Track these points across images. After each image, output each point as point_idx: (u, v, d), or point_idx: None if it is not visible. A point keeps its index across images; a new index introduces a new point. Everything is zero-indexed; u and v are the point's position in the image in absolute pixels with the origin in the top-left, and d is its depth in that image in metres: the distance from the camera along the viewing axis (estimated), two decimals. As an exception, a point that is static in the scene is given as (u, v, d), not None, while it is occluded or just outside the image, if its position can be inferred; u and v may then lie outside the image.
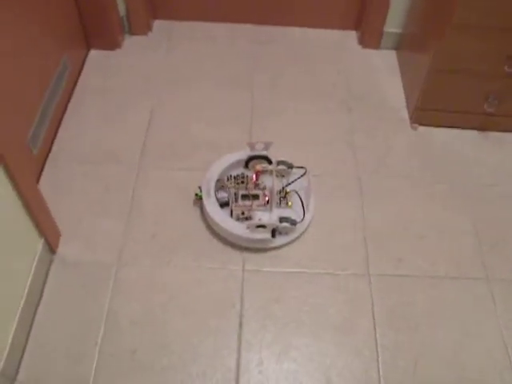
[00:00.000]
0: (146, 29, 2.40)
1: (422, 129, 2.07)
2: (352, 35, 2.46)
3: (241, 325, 1.54)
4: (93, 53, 2.33)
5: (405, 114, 2.12)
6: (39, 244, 1.58)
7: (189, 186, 1.82)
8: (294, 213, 1.72)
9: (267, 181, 1.81)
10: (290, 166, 1.80)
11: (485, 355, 1.51)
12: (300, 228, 1.71)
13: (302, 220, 1.70)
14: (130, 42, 2.39)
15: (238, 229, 1.66)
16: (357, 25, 2.44)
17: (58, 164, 1.90)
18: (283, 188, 1.79)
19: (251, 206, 1.73)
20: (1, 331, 1.38)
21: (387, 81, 2.26)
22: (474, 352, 1.51)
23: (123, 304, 1.57)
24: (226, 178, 1.80)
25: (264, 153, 1.80)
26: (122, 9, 2.30)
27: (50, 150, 1.93)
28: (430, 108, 2.02)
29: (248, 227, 1.63)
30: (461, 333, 1.55)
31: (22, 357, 1.47)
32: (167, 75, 2.25)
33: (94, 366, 1.46)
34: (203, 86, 2.21)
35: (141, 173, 1.88)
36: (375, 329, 1.55)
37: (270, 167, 1.79)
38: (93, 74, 2.24)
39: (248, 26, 2.47)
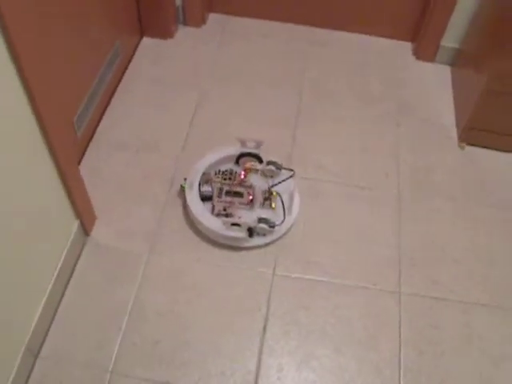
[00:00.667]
0: (200, 21, 2.40)
1: (469, 148, 2.02)
2: (407, 46, 2.41)
3: (265, 328, 1.53)
4: (145, 40, 2.34)
5: (453, 132, 2.07)
6: (74, 225, 1.59)
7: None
8: (275, 215, 1.69)
9: (256, 180, 1.79)
10: (279, 167, 1.78)
11: (511, 389, 1.47)
12: (279, 231, 1.68)
13: (282, 223, 1.67)
14: (182, 32, 2.39)
15: (213, 224, 1.64)
16: (413, 36, 2.39)
17: (99, 148, 1.92)
18: (269, 189, 1.76)
19: (233, 202, 1.72)
20: (29, 307, 1.40)
21: (439, 96, 2.21)
22: (501, 384, 1.48)
23: (150, 294, 1.58)
24: (213, 173, 1.79)
25: (256, 151, 1.79)
26: (178, -1, 2.32)
27: (93, 134, 1.95)
28: (480, 128, 1.97)
29: (224, 223, 1.62)
30: (490, 366, 1.50)
31: (46, 334, 1.49)
32: (216, 69, 2.24)
33: (116, 350, 1.47)
34: (251, 83, 2.20)
35: (180, 164, 1.88)
36: (400, 349, 1.52)
37: (259, 166, 1.77)
38: (143, 62, 2.25)
39: (303, 28, 2.45)
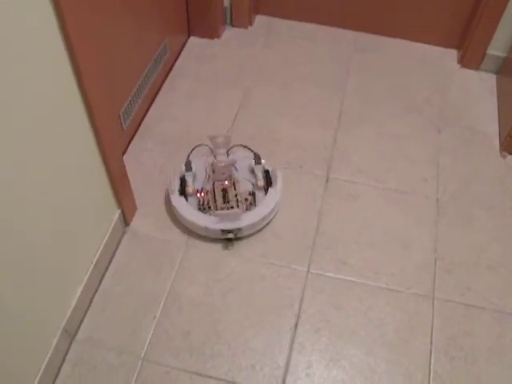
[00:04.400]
0: (246, 22, 2.44)
1: (511, 158, 2.00)
2: (452, 53, 2.40)
3: (296, 325, 1.55)
4: (192, 39, 2.39)
5: (496, 141, 2.05)
6: (115, 214, 1.64)
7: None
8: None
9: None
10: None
11: (543, 402, 1.45)
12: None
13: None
14: (229, 33, 2.43)
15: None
16: (459, 43, 2.37)
17: (143, 141, 1.97)
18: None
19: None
20: (69, 290, 1.45)
21: (482, 104, 2.19)
22: (533, 396, 1.45)
23: (185, 285, 1.61)
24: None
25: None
26: (226, 0, 2.35)
27: (138, 127, 2.00)
28: (523, 138, 1.95)
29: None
30: (521, 375, 1.49)
31: (83, 318, 1.53)
32: (261, 70, 2.27)
33: (149, 338, 1.50)
34: (294, 85, 2.22)
35: (221, 161, 1.91)
36: (431, 354, 1.51)
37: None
38: (189, 60, 2.30)
39: (348, 32, 2.46)
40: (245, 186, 1.77)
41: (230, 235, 1.66)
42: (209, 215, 1.67)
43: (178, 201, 1.70)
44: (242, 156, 1.84)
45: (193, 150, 1.83)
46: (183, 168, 1.77)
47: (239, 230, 1.66)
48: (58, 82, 1.17)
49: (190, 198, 1.73)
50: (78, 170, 1.35)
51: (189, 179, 1.75)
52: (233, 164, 1.77)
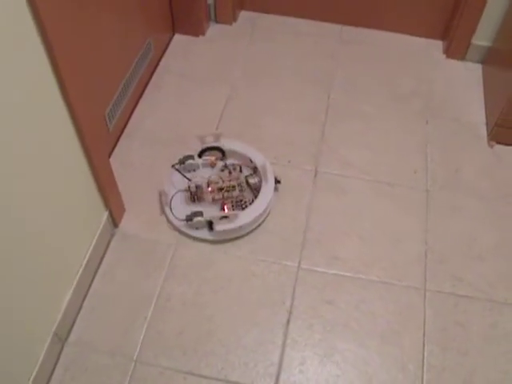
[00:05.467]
0: (231, 18, 2.43)
1: (498, 147, 2.00)
2: (438, 44, 2.39)
3: (288, 321, 1.54)
4: (177, 37, 2.37)
5: (483, 131, 2.05)
6: (104, 216, 1.63)
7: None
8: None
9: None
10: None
11: (537, 390, 1.45)
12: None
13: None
14: (214, 30, 2.42)
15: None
16: (444, 34, 2.37)
17: (130, 141, 1.95)
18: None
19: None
20: (58, 294, 1.44)
21: (469, 94, 2.19)
22: (526, 385, 1.46)
23: (176, 285, 1.60)
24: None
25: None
26: (210, -3, 2.34)
27: (124, 128, 1.99)
28: (510, 126, 1.94)
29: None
30: (514, 364, 1.49)
31: (74, 321, 1.52)
32: (247, 66, 2.26)
33: (141, 340, 1.49)
34: (281, 80, 2.21)
35: (209, 159, 1.90)
36: (424, 345, 1.51)
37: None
38: (174, 58, 2.28)
39: (333, 25, 2.45)
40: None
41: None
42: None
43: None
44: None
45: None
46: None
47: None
48: (37, 85, 1.15)
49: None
50: (64, 173, 1.34)
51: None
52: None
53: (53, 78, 1.20)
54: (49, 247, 1.33)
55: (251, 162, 1.81)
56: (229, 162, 1.84)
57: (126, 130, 1.99)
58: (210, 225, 1.68)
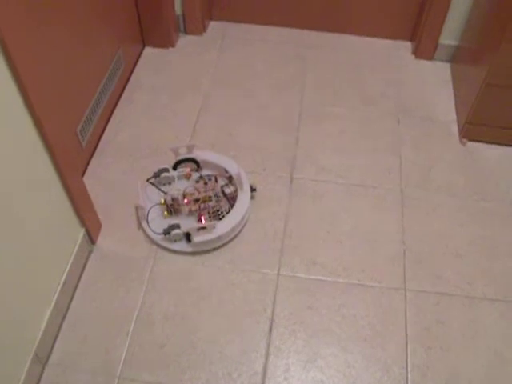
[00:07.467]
0: (200, 29, 2.43)
1: (471, 144, 2.02)
2: (406, 45, 2.42)
3: (270, 329, 1.54)
4: (147, 50, 2.37)
5: (454, 129, 2.08)
6: (80, 234, 1.61)
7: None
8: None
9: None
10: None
11: (519, 382, 1.47)
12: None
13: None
14: (184, 41, 2.42)
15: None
16: (412, 35, 2.40)
17: (104, 157, 1.94)
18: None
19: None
20: (37, 315, 1.42)
21: (439, 93, 2.22)
22: (509, 379, 1.46)
23: (157, 298, 1.59)
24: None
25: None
26: (178, 8, 2.34)
27: (98, 143, 1.98)
28: (481, 123, 1.97)
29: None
30: (496, 358, 1.50)
31: (55, 340, 1.50)
32: (218, 75, 2.27)
33: (123, 356, 1.48)
34: (253, 87, 2.22)
35: (184, 171, 1.90)
36: (407, 345, 1.52)
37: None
38: (145, 71, 2.28)
39: (301, 31, 2.47)
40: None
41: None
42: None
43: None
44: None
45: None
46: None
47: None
48: (2, 105, 1.14)
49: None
50: (36, 193, 1.32)
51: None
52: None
53: (19, 99, 1.19)
54: (24, 268, 1.32)
55: (226, 171, 1.81)
56: (204, 172, 1.84)
57: (99, 146, 1.98)
58: (187, 237, 1.67)
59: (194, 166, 1.84)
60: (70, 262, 1.56)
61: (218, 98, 2.17)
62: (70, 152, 1.48)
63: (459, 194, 1.87)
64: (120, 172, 1.90)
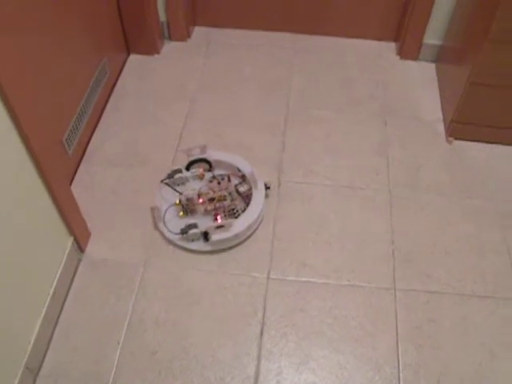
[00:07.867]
0: (185, 35, 2.43)
1: (457, 143, 2.04)
2: (391, 46, 2.44)
3: (262, 332, 1.54)
4: (132, 57, 2.37)
5: (441, 128, 2.09)
6: (68, 242, 1.61)
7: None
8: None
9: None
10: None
11: (510, 379, 1.47)
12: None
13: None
14: (168, 47, 2.42)
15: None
16: (396, 36, 2.41)
17: (91, 165, 1.94)
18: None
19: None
20: (27, 326, 1.41)
21: (424, 93, 2.23)
22: (499, 376, 1.47)
23: (147, 305, 1.59)
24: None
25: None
26: (162, 15, 2.34)
27: (84, 152, 1.97)
28: (467, 122, 1.98)
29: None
30: (486, 355, 1.51)
31: (46, 351, 1.50)
32: (204, 81, 2.27)
33: (115, 364, 1.48)
34: (239, 92, 2.22)
35: (172, 177, 1.90)
36: (398, 344, 1.52)
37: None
38: (131, 78, 2.28)
39: (286, 35, 2.48)
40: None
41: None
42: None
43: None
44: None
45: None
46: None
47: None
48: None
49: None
50: (22, 202, 1.32)
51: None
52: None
53: (3, 109, 1.18)
54: (12, 278, 1.31)
55: (239, 170, 1.83)
56: (216, 172, 1.85)
57: (86, 154, 1.97)
58: (205, 236, 1.67)
59: (207, 166, 1.85)
60: (59, 271, 1.56)
61: (205, 103, 2.17)
62: (57, 161, 1.47)
63: (447, 193, 1.88)
64: (107, 179, 1.89)
